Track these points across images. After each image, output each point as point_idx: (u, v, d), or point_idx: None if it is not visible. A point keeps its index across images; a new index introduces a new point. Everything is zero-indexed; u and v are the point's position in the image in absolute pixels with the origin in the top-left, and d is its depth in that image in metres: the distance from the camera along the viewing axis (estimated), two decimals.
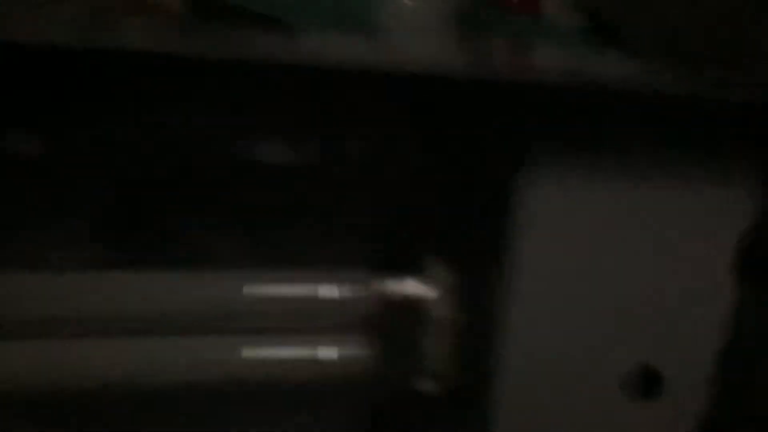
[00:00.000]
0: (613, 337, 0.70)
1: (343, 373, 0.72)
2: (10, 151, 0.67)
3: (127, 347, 0.69)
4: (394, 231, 0.75)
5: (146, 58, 0.56)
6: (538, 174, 0.66)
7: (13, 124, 0.66)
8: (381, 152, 0.74)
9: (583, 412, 0.71)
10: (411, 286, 0.72)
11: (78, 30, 0.60)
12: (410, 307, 0.71)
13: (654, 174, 0.67)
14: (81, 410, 0.72)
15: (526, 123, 0.65)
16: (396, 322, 0.71)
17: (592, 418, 0.71)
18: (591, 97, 0.62)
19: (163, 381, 0.69)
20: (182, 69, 0.60)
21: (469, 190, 0.72)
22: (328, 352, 0.71)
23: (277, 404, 0.75)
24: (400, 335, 0.71)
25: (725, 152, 0.67)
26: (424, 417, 0.74)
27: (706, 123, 0.66)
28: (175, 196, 0.72)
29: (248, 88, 0.67)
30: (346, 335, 0.72)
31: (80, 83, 0.65)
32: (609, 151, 0.66)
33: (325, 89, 0.67)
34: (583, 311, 0.69)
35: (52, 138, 0.69)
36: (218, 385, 0.71)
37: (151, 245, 0.72)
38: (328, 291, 0.71)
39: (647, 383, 0.71)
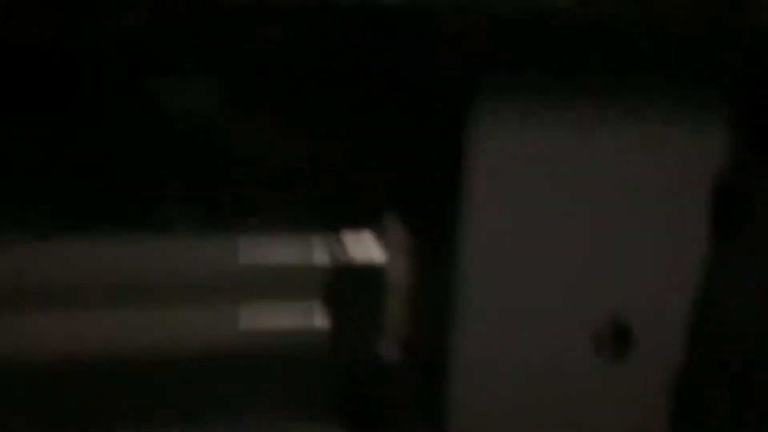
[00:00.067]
0: (582, 290, 0.67)
1: (303, 343, 0.70)
2: None
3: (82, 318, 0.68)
4: (348, 191, 0.71)
5: None
6: (492, 118, 0.61)
7: None
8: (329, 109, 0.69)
9: (551, 370, 0.69)
10: (367, 246, 0.68)
11: None
12: (368, 272, 0.68)
13: (622, 116, 0.63)
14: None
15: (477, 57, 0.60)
16: (354, 288, 0.68)
17: (562, 376, 0.69)
18: (547, 31, 0.57)
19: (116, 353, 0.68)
20: None
21: (420, 144, 0.67)
22: (286, 321, 0.70)
23: (239, 377, 0.73)
24: (359, 302, 0.68)
25: (696, 93, 0.63)
26: (385, 384, 0.72)
27: (677, 61, 0.61)
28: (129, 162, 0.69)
29: None
30: (304, 303, 0.69)
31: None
32: (570, 91, 0.61)
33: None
34: (548, 263, 0.66)
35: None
36: (170, 355, 0.70)
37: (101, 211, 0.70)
38: (284, 256, 0.69)
39: (618, 337, 0.68)
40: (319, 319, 0.70)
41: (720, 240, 0.66)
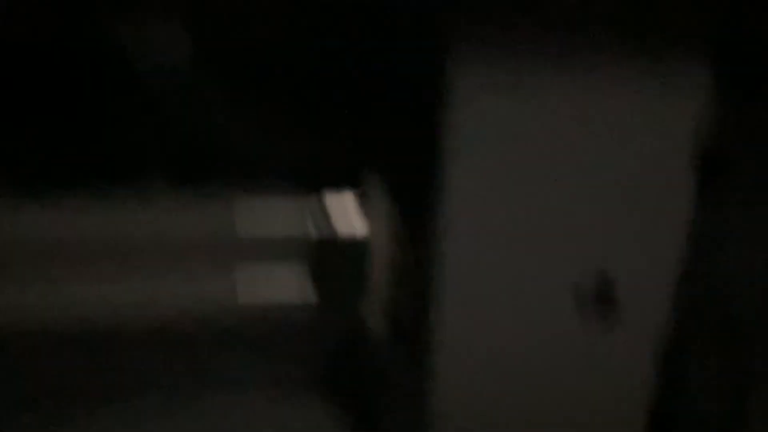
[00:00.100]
0: (567, 253, 0.66)
1: (292, 315, 0.70)
2: None
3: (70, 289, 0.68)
4: (328, 150, 0.70)
5: None
6: (469, 82, 0.60)
7: None
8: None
9: (537, 336, 0.68)
10: (351, 218, 0.68)
11: None
12: (353, 244, 0.67)
13: (602, 67, 0.61)
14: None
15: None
16: (339, 259, 0.67)
17: (548, 343, 0.68)
18: None
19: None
20: None
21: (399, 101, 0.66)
22: (271, 293, 0.69)
23: (229, 350, 0.73)
24: (343, 273, 0.68)
25: (678, 44, 0.61)
26: (372, 353, 0.71)
27: (658, 12, 0.60)
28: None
29: None
30: (289, 273, 0.68)
31: None
32: (548, 53, 0.60)
33: None
34: (530, 217, 0.64)
35: None
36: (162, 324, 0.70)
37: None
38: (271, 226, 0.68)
39: (602, 293, 0.67)
40: (305, 292, 0.70)
41: (704, 190, 0.65)
